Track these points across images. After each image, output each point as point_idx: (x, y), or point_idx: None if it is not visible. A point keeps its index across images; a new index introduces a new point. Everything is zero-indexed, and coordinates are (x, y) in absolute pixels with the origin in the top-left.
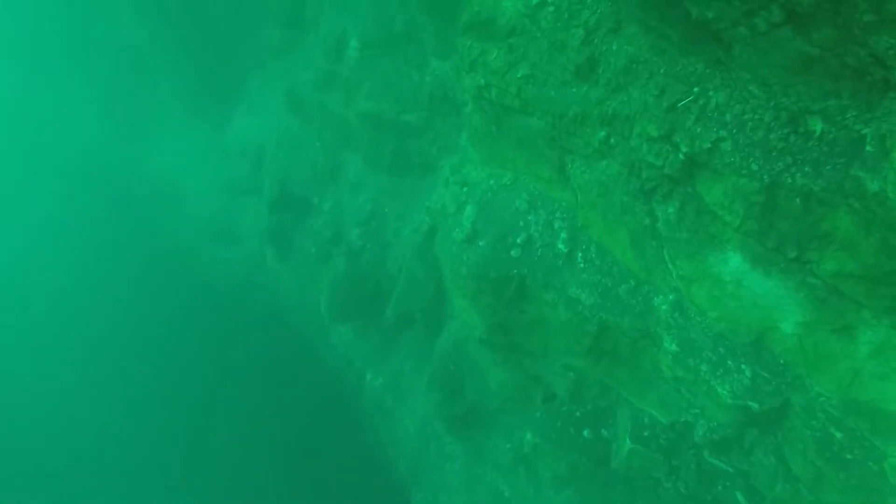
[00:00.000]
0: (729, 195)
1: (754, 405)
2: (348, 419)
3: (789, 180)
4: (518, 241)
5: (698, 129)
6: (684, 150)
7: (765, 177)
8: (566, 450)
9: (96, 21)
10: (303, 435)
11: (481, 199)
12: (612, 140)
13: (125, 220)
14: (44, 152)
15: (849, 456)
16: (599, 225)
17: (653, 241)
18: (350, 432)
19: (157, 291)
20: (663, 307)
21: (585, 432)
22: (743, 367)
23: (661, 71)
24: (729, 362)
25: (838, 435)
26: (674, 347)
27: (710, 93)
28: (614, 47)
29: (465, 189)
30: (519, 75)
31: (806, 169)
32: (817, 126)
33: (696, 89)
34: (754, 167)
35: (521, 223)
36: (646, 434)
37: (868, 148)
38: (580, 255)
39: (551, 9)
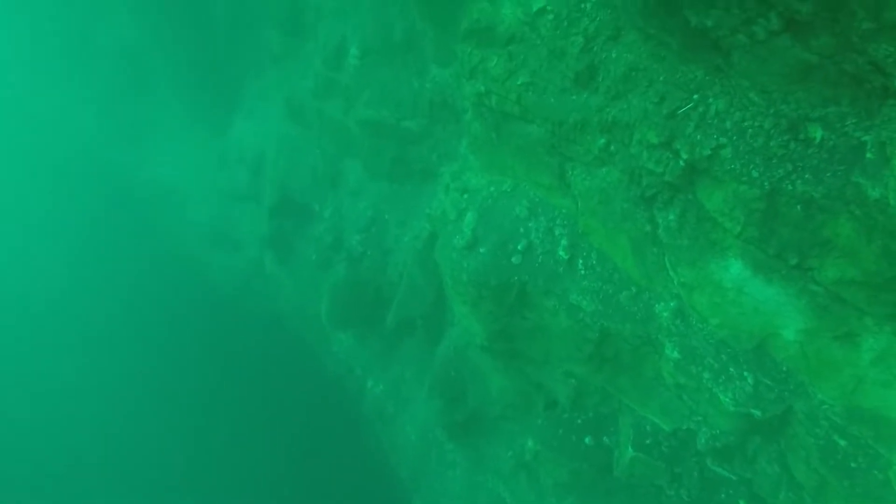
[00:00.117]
0: (729, 202)
1: (757, 412)
2: (349, 426)
3: (790, 187)
4: (519, 247)
5: (698, 136)
6: (684, 157)
7: (765, 184)
8: (568, 457)
9: (96, 22)
10: (304, 442)
11: (482, 206)
12: (612, 147)
13: (125, 222)
14: (43, 152)
15: (853, 464)
16: (600, 232)
17: (654, 248)
18: (351, 439)
19: (156, 295)
20: (665, 314)
21: (587, 439)
22: (745, 374)
23: (661, 78)
24: (731, 369)
25: (842, 443)
26: (675, 354)
27: (710, 100)
28: (614, 55)
29: (465, 196)
30: (519, 82)
31: (806, 176)
32: (817, 133)
33: (695, 96)
34: (755, 174)
35: (522, 230)
36: (648, 442)
37: (868, 155)
38: (581, 261)
39: (550, 16)
